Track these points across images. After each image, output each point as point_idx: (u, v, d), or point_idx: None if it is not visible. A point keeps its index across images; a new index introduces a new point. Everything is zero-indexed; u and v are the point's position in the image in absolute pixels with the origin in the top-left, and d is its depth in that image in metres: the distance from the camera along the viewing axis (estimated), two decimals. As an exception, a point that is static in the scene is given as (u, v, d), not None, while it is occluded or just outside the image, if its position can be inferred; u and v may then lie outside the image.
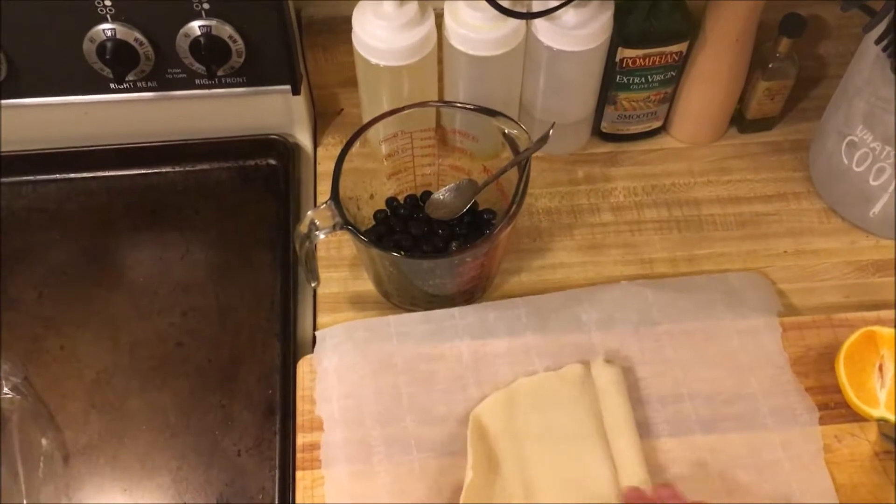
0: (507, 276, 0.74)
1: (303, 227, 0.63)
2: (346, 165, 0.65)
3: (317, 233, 0.63)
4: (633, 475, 0.59)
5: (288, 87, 0.73)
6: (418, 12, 0.67)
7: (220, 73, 0.69)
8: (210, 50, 0.67)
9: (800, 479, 0.60)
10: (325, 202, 0.63)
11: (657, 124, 0.82)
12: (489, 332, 0.67)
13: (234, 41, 0.68)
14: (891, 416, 0.61)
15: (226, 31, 0.67)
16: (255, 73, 0.72)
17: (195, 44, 0.68)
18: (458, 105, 0.67)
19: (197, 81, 0.72)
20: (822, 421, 0.63)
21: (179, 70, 0.70)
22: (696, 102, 0.79)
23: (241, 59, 0.70)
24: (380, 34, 0.67)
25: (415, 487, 0.61)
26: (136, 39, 0.67)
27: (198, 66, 0.69)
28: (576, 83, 0.74)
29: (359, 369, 0.66)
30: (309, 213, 0.63)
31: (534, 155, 0.80)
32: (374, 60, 0.69)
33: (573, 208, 0.79)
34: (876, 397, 0.61)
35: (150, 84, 0.72)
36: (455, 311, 0.68)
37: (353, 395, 0.65)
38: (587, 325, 0.67)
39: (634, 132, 0.82)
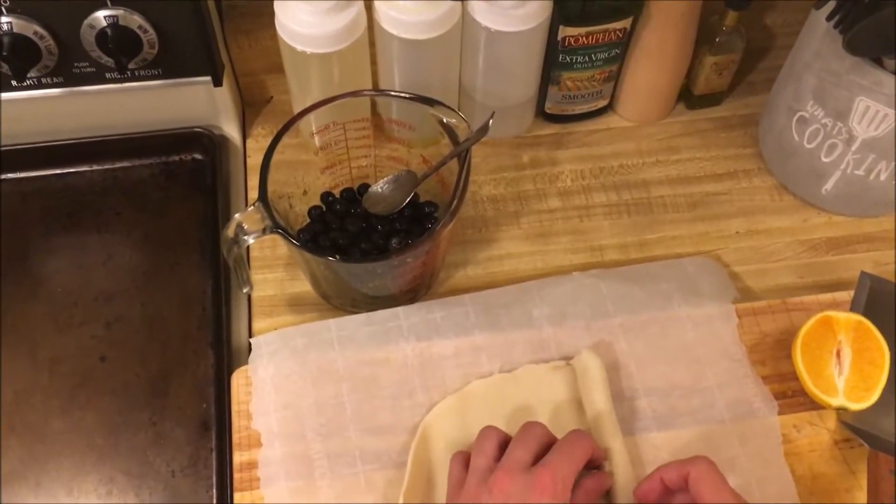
0: (453, 270, 0.71)
1: (229, 232, 0.58)
2: (276, 159, 0.61)
3: (245, 238, 0.58)
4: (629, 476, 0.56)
5: (208, 77, 0.68)
6: (345, -4, 0.63)
7: (131, 65, 0.64)
8: (118, 42, 0.62)
9: (758, 476, 0.58)
10: (253, 204, 0.58)
11: (603, 103, 0.78)
12: (436, 332, 0.64)
13: (145, 31, 0.63)
14: (850, 405, 0.59)
15: (135, 20, 0.62)
16: (172, 65, 0.67)
17: (101, 35, 0.62)
18: (393, 94, 0.63)
19: (107, 75, 0.66)
20: (780, 411, 0.61)
21: (87, 64, 0.65)
22: (643, 80, 0.75)
23: (154, 51, 0.65)
24: (305, 19, 0.62)
25: (361, 502, 0.58)
26: (35, 33, 0.61)
27: (106, 60, 0.64)
28: (517, 64, 0.71)
29: (297, 378, 0.62)
30: (235, 216, 0.58)
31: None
32: (299, 47, 0.64)
33: (519, 195, 0.75)
34: (834, 385, 0.59)
35: (55, 80, 0.66)
36: (399, 310, 0.64)
37: (291, 405, 0.61)
38: (538, 321, 0.64)
39: (580, 112, 0.78)
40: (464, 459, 0.55)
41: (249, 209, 0.58)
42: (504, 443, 0.55)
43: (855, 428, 0.60)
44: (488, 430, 0.56)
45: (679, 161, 0.78)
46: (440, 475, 0.58)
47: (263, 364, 0.62)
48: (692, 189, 0.76)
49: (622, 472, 0.56)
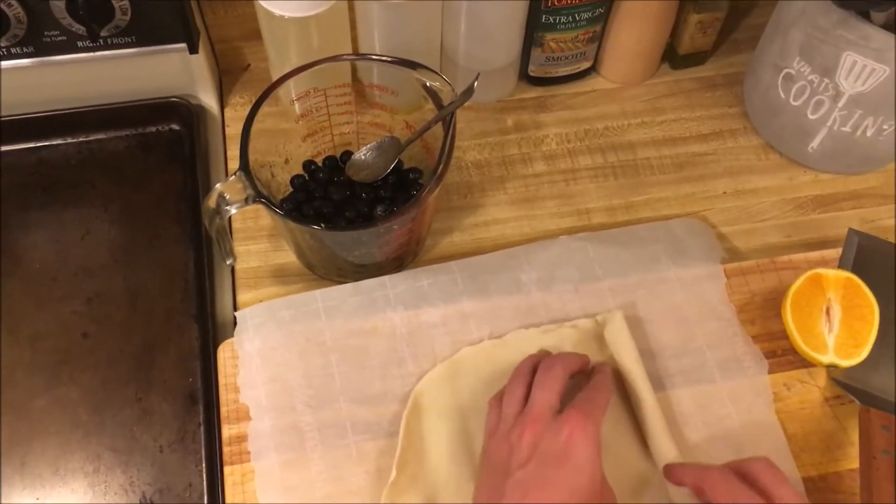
0: (439, 238, 0.70)
1: (211, 203, 0.57)
2: (256, 128, 0.59)
3: (227, 208, 0.57)
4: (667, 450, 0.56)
5: (184, 45, 0.66)
6: (321, -43, 0.61)
7: (104, 33, 0.62)
8: (89, 8, 0.60)
9: (751, 434, 0.58)
10: (235, 173, 0.57)
11: (587, 65, 0.77)
12: (423, 300, 0.63)
13: (117, -4, 0.61)
14: (840, 362, 0.59)
15: (106, -15, 0.60)
16: (146, 32, 0.65)
17: (72, 2, 0.60)
18: (374, 58, 0.62)
19: (79, 44, 0.64)
20: (770, 369, 0.61)
21: (58, 32, 0.63)
22: (627, 40, 0.74)
23: (127, 18, 0.63)
24: (282, -18, 0.61)
25: (353, 472, 0.57)
26: (2, 0, 0.59)
27: (77, 27, 0.62)
28: (499, 27, 0.69)
29: (284, 351, 0.61)
30: (217, 186, 0.57)
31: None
32: (277, 12, 0.62)
33: (504, 160, 0.74)
34: (825, 342, 0.59)
35: (26, 50, 0.64)
36: (386, 279, 0.64)
37: (279, 378, 0.60)
38: (527, 286, 0.64)
39: (564, 74, 0.77)
40: (500, 404, 0.56)
41: (231, 179, 0.57)
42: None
43: (846, 384, 0.60)
44: (518, 374, 0.56)
45: (664, 122, 0.77)
46: (432, 443, 0.58)
47: (249, 337, 0.61)
48: (678, 150, 0.75)
49: (655, 426, 0.56)
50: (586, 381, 0.57)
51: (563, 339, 0.61)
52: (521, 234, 0.70)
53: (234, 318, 0.64)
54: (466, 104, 0.76)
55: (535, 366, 0.57)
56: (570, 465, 0.49)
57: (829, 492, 0.58)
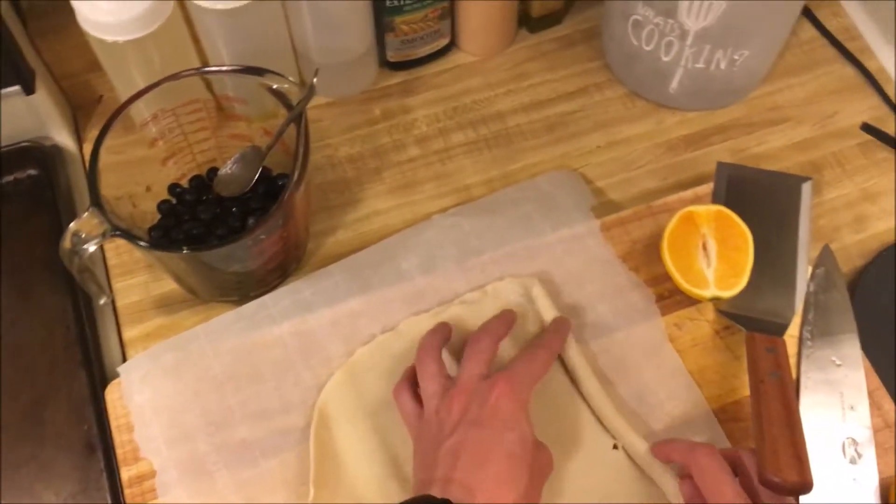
0: (322, 239, 0.69)
1: (66, 244, 0.55)
2: (109, 160, 0.58)
3: (84, 247, 0.55)
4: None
5: (18, 87, 0.64)
6: (143, -27, 0.59)
7: (-73, 87, 0.60)
8: None
9: (662, 379, 0.59)
10: (87, 210, 0.55)
11: (445, 42, 0.77)
12: (308, 309, 0.62)
13: (-67, 48, 0.58)
14: (722, 293, 0.60)
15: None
16: (-25, 80, 0.62)
17: None
18: (214, 69, 0.60)
19: None
20: (661, 312, 0.62)
21: None
22: (478, 11, 0.74)
23: (-51, 67, 0.60)
24: (105, 6, 0.59)
25: (269, 495, 0.56)
26: None
27: None
28: (345, 16, 0.68)
29: (176, 395, 0.59)
30: (70, 225, 0.55)
31: (325, 101, 0.76)
32: (108, 38, 0.60)
33: (377, 150, 0.74)
34: (705, 277, 0.60)
35: None
36: (267, 299, 0.62)
37: (177, 424, 0.58)
38: (409, 273, 0.63)
39: (424, 55, 0.77)
40: (409, 391, 0.55)
41: (84, 216, 0.55)
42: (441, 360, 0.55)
43: (731, 314, 0.61)
44: (424, 352, 0.55)
45: (530, 87, 0.77)
46: (347, 450, 0.57)
47: (137, 390, 0.59)
48: (547, 112, 0.76)
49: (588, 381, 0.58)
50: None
51: (455, 318, 0.61)
52: (403, 221, 0.70)
53: (124, 356, 0.62)
54: (332, 101, 0.76)
55: (439, 339, 0.56)
56: (498, 425, 0.49)
57: (731, 421, 0.59)
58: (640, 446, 0.55)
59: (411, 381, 0.57)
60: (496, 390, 0.51)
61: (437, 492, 0.47)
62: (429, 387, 0.54)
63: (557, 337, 0.58)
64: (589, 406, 0.58)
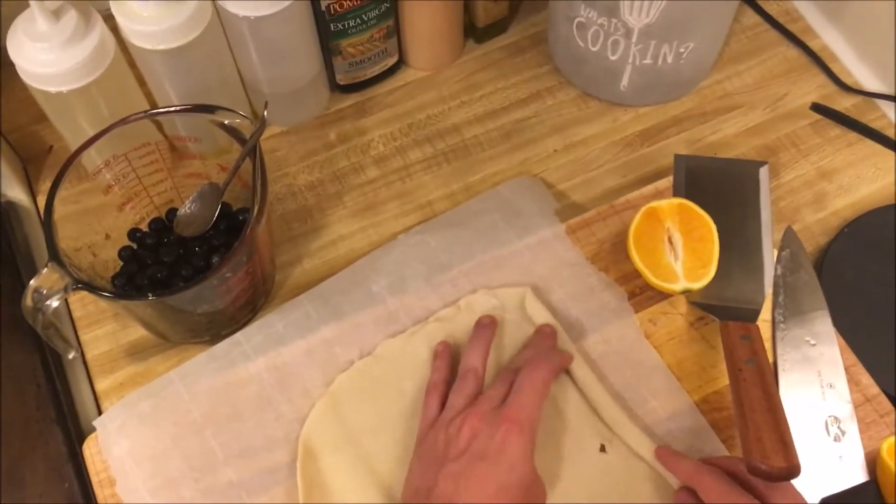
0: (289, 269, 0.69)
1: (28, 301, 0.54)
2: (64, 211, 0.57)
3: (48, 303, 0.54)
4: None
5: (-38, 146, 0.63)
6: (80, 21, 0.58)
7: None
8: None
9: (643, 377, 0.59)
10: (46, 265, 0.54)
11: (393, 60, 0.77)
12: (282, 343, 0.61)
13: None
14: (692, 285, 0.60)
15: None
16: (-83, 143, 0.61)
17: None
18: (162, 110, 0.60)
19: None
20: (634, 309, 0.62)
21: None
22: (422, 26, 0.74)
23: None
24: (44, 58, 0.58)
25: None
26: None
27: None
28: (290, 45, 0.68)
29: (155, 443, 0.58)
30: (31, 282, 0.54)
31: (280, 130, 0.75)
32: (51, 89, 0.60)
33: (336, 174, 0.73)
34: (674, 271, 0.61)
35: None
36: (239, 336, 0.62)
37: (159, 473, 0.57)
38: (381, 295, 0.63)
39: (374, 75, 0.76)
40: (440, 395, 0.57)
41: (44, 272, 0.54)
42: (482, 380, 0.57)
43: (703, 305, 0.61)
44: (468, 369, 0.56)
45: (483, 97, 0.77)
46: (335, 481, 0.56)
47: (115, 442, 0.58)
48: (502, 120, 0.76)
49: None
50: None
51: (431, 336, 0.61)
52: (369, 243, 0.70)
53: (99, 409, 0.61)
54: (287, 129, 0.75)
55: (483, 356, 0.57)
56: (503, 464, 0.51)
57: (714, 411, 0.59)
58: (647, 446, 0.56)
59: (446, 385, 0.57)
60: (505, 425, 0.52)
61: None
62: (457, 400, 0.55)
63: (550, 348, 0.58)
64: (589, 406, 0.58)
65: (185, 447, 0.58)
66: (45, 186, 0.72)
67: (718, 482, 0.50)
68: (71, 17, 0.58)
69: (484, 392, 0.55)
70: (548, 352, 0.58)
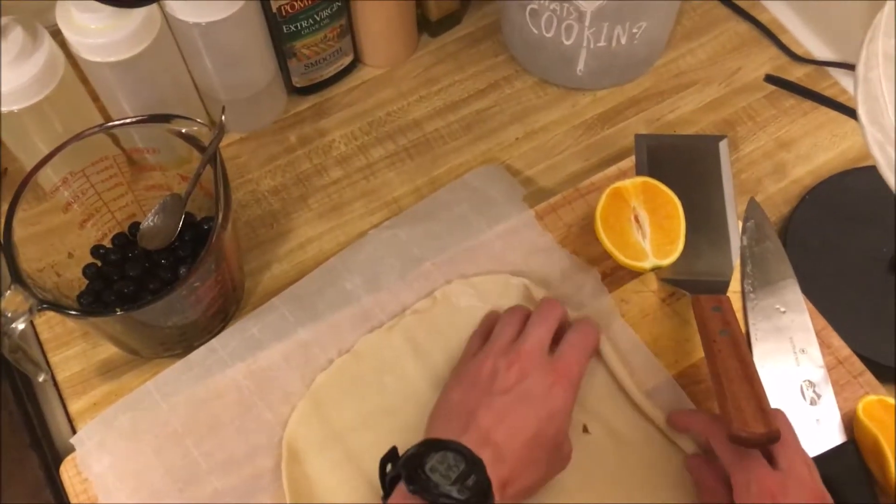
0: (258, 276, 0.68)
1: (-7, 326, 0.53)
2: (25, 233, 0.56)
3: (13, 326, 0.53)
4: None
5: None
6: (27, 38, 0.57)
7: None
8: None
9: (624, 351, 0.60)
10: (10, 288, 0.53)
11: (348, 59, 0.76)
12: (258, 347, 0.61)
13: None
14: (661, 262, 0.61)
15: None
16: None
17: None
18: (118, 123, 0.59)
19: None
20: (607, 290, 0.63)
21: None
22: (376, 23, 0.74)
23: None
24: (-8, 77, 0.57)
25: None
26: None
27: None
28: (244, 50, 0.67)
29: (137, 457, 0.57)
30: (-6, 307, 0.53)
31: (239, 136, 0.74)
32: (2, 108, 0.58)
33: (299, 177, 0.73)
34: (642, 249, 0.61)
35: None
36: (215, 342, 0.61)
37: (142, 486, 0.56)
38: (355, 293, 0.63)
39: (330, 75, 0.76)
40: (483, 334, 0.58)
41: (7, 294, 0.53)
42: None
43: (674, 280, 0.62)
44: (513, 311, 0.58)
45: (441, 90, 0.77)
46: (321, 482, 0.56)
47: (96, 458, 0.57)
48: (462, 112, 0.76)
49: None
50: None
51: (409, 328, 0.61)
52: (338, 244, 0.69)
53: (74, 430, 0.60)
54: (245, 135, 0.74)
55: (523, 314, 0.58)
56: (545, 412, 0.51)
57: (693, 384, 0.59)
58: (659, 415, 0.57)
59: (486, 333, 0.58)
60: (555, 374, 0.53)
61: (472, 445, 0.48)
62: (500, 336, 0.56)
63: (589, 322, 0.59)
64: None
65: (167, 459, 0.57)
66: (2, 209, 0.71)
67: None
68: (17, 34, 0.57)
69: (527, 331, 0.55)
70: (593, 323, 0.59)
